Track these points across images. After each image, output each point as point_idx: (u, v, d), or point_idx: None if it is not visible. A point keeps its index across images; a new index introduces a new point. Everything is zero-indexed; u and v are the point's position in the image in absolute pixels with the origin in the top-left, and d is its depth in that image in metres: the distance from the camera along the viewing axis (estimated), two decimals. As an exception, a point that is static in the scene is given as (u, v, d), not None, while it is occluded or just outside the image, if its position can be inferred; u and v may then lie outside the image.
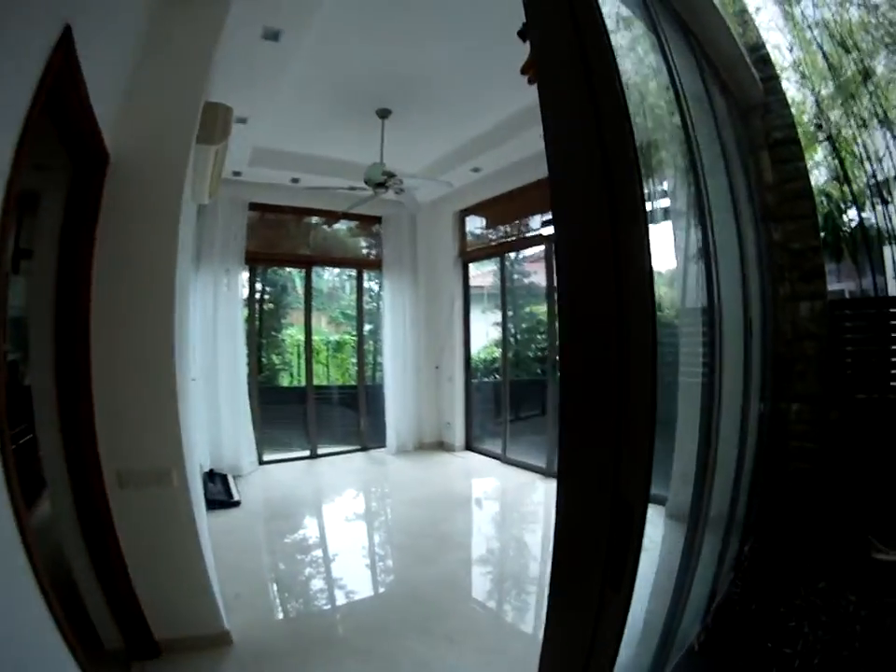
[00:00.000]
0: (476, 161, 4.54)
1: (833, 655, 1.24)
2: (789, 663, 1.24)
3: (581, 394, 0.75)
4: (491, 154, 4.36)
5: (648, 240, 0.69)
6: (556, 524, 0.76)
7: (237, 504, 3.93)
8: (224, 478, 4.42)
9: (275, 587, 2.75)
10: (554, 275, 4.55)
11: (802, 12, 1.97)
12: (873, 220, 2.10)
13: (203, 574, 1.85)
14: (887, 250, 2.14)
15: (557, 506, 0.76)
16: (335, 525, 3.81)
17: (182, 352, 2.18)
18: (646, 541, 0.70)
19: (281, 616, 2.45)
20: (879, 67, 1.92)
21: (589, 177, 0.72)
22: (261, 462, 5.12)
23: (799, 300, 2.19)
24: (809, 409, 2.13)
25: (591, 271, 0.73)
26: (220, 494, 4.07)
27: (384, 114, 3.66)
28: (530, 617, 2.44)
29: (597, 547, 0.72)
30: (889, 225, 1.92)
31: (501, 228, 5.44)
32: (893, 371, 1.94)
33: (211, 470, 4.52)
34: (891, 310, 2.01)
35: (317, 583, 2.82)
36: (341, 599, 2.64)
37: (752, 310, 1.80)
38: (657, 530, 1.32)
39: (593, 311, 0.73)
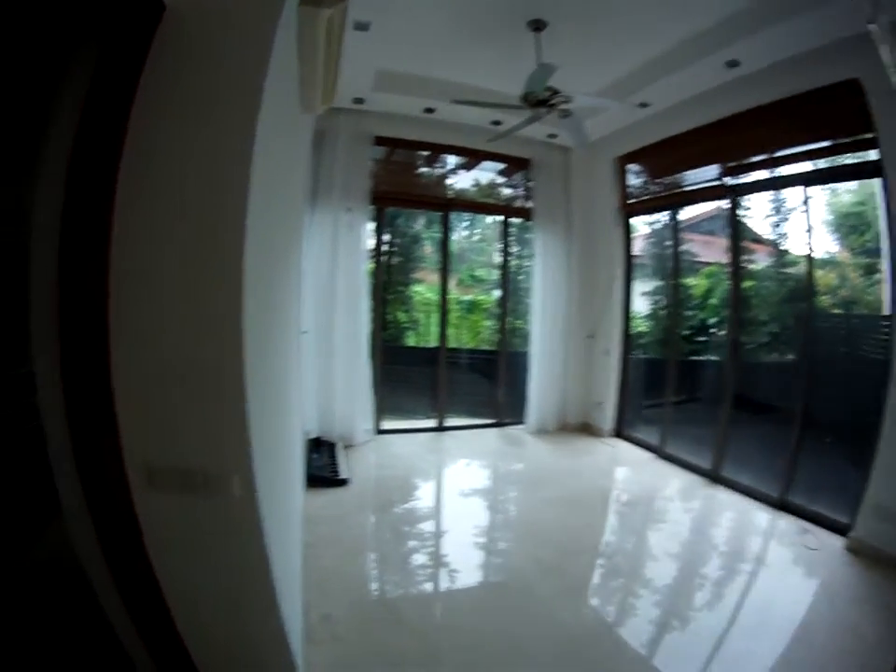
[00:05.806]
0: (644, 93, 3.74)
1: None
2: None
3: None
4: (663, 85, 3.55)
5: None
6: None
7: (343, 483, 3.30)
8: (332, 448, 3.81)
9: (382, 614, 2.09)
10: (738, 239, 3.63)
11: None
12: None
13: (272, 616, 1.37)
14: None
15: None
16: (463, 526, 3.03)
17: (276, 308, 1.65)
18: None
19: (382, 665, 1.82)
20: None
21: None
22: (378, 431, 4.52)
23: None
24: None
25: None
26: (325, 469, 3.45)
27: (537, 26, 2.96)
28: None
29: None
30: None
31: (657, 182, 4.61)
32: None
33: (318, 438, 3.93)
34: None
35: (432, 617, 2.11)
36: (464, 640, 1.90)
37: None
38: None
39: None
